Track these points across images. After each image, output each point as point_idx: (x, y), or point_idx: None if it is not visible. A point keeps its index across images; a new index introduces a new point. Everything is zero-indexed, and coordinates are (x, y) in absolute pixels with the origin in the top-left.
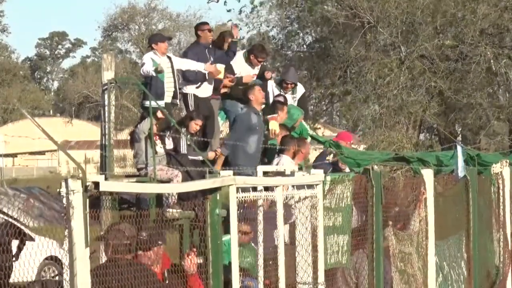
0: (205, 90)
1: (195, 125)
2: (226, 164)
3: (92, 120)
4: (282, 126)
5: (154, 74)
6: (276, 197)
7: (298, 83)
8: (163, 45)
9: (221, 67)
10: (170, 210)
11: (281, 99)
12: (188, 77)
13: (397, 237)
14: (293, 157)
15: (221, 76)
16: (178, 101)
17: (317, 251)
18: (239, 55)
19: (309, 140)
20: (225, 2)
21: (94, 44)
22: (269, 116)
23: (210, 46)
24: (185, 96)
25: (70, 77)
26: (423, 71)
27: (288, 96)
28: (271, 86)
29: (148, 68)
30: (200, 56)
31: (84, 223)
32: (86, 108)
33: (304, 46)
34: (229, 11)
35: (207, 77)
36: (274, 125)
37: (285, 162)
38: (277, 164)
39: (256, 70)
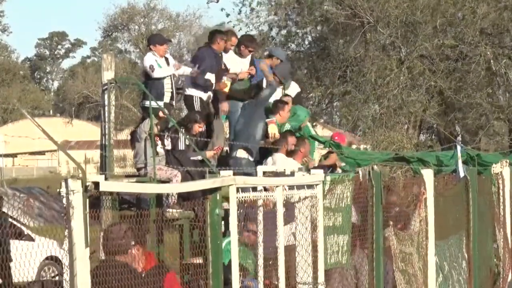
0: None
1: (199, 127)
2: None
3: (92, 120)
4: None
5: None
6: (276, 197)
7: (292, 82)
8: (162, 48)
9: (228, 80)
10: (170, 210)
11: (284, 98)
12: (198, 83)
13: (397, 237)
14: (287, 154)
15: (226, 89)
16: (174, 102)
17: (317, 251)
18: (230, 52)
19: (316, 145)
20: (222, 9)
21: (94, 44)
22: (268, 120)
23: (220, 54)
24: (189, 98)
25: (70, 77)
26: (423, 71)
27: (279, 90)
28: None
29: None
30: (210, 61)
31: (84, 223)
32: (86, 108)
33: (304, 46)
34: (228, 15)
35: (213, 87)
36: (273, 129)
37: (279, 159)
38: (273, 163)
39: (247, 60)
